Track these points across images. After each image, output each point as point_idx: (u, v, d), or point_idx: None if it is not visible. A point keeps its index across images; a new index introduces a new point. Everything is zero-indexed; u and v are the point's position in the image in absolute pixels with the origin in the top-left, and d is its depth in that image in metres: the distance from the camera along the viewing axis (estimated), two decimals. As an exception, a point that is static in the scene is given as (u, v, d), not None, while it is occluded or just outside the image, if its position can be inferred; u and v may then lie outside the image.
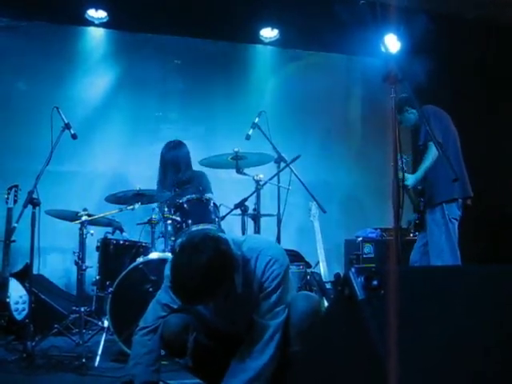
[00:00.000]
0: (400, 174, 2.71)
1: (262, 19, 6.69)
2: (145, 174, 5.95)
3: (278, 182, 4.74)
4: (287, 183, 4.68)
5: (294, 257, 5.36)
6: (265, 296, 2.64)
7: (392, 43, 6.22)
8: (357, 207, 7.08)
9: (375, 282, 1.72)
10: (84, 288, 4.64)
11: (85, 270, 4.49)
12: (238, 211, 4.63)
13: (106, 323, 4.20)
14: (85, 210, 4.47)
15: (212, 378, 2.87)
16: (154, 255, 4.31)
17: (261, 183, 4.58)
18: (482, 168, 5.75)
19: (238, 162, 4.60)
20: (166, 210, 4.51)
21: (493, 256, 6.18)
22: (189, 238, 2.61)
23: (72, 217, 4.51)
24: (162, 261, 4.05)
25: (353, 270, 1.75)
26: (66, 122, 4.35)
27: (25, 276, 4.69)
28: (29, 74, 6.30)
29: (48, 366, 3.84)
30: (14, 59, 6.22)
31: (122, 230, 4.98)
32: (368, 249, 5.96)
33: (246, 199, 4.59)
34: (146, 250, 4.50)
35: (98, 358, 3.95)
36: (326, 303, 4.58)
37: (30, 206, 4.11)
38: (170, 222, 4.50)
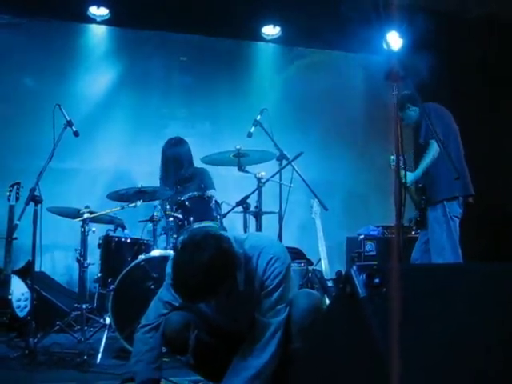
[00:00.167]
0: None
1: (263, 17, 6.69)
2: (147, 172, 5.95)
3: (280, 180, 4.74)
4: (289, 181, 4.68)
5: (296, 254, 5.35)
6: (266, 294, 2.64)
7: (394, 41, 6.22)
8: (358, 205, 7.08)
9: (377, 280, 1.71)
10: (86, 285, 4.65)
11: (87, 267, 4.49)
12: (240, 209, 4.63)
13: (107, 320, 4.21)
14: (87, 207, 4.47)
15: (213, 376, 2.88)
16: (155, 252, 4.32)
17: (263, 181, 4.58)
18: (484, 166, 5.74)
19: (239, 160, 4.60)
20: (167, 207, 4.52)
21: (494, 254, 6.17)
22: (190, 236, 2.61)
23: (74, 214, 4.51)
24: (164, 258, 4.05)
25: (354, 267, 1.75)
26: (68, 119, 4.35)
27: (27, 273, 4.69)
28: (31, 72, 6.30)
29: (50, 362, 3.86)
30: (15, 56, 6.22)
31: (123, 228, 4.98)
32: (370, 246, 5.96)
33: (247, 197, 4.59)
34: (147, 248, 4.51)
35: (99, 355, 3.96)
36: (327, 301, 4.58)
37: (31, 204, 4.12)
38: (171, 219, 4.51)
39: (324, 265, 5.03)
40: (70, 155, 5.94)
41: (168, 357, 3.35)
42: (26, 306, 4.65)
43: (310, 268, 5.09)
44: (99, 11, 6.40)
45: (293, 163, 4.62)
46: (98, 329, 4.47)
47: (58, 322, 4.35)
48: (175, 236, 4.47)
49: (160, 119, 6.78)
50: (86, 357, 3.86)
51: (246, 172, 4.65)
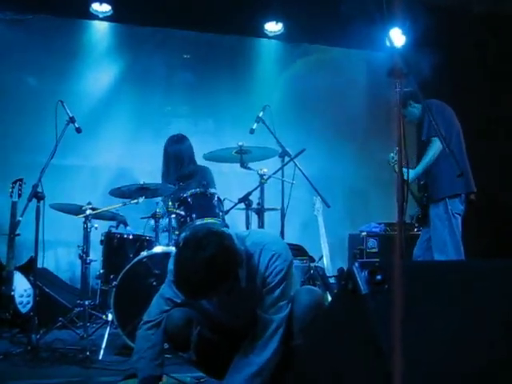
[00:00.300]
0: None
1: (266, 13, 6.66)
2: (149, 169, 5.97)
3: (282, 176, 4.74)
4: (291, 177, 4.68)
5: (298, 251, 5.36)
6: (268, 291, 2.64)
7: (397, 37, 6.21)
8: (361, 202, 7.07)
9: (379, 277, 1.71)
10: (88, 281, 4.65)
11: (89, 263, 4.49)
12: (242, 205, 4.63)
13: (110, 317, 4.21)
14: (89, 203, 4.47)
15: (215, 372, 2.88)
16: (157, 249, 4.32)
17: (265, 177, 4.58)
18: (485, 163, 5.72)
19: (242, 156, 4.60)
20: (170, 204, 4.52)
21: (496, 251, 6.16)
22: (192, 233, 2.61)
23: (76, 210, 4.52)
24: (166, 255, 4.06)
25: (356, 264, 1.75)
26: (71, 115, 4.35)
27: (29, 269, 4.70)
28: (33, 68, 6.29)
29: (52, 358, 3.86)
30: (18, 53, 6.21)
31: (126, 224, 4.98)
32: (372, 243, 5.96)
33: (250, 193, 4.60)
34: (149, 244, 4.51)
35: (101, 352, 3.96)
36: (329, 297, 4.59)
37: (34, 200, 4.12)
38: (174, 216, 4.51)
39: (326, 261, 5.05)
40: (72, 152, 5.94)
41: (170, 353, 3.35)
42: (28, 302, 4.66)
43: (312, 265, 5.09)
44: (102, 7, 6.38)
45: (295, 160, 4.62)
46: (100, 325, 4.48)
47: (60, 318, 4.36)
48: (177, 233, 4.48)
49: (163, 117, 6.77)
50: (88, 353, 3.86)
51: (249, 169, 4.64)
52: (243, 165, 4.62)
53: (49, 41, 6.30)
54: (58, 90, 5.94)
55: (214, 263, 2.42)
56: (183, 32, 6.81)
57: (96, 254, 4.69)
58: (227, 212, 4.66)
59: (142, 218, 4.79)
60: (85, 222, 4.44)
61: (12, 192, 4.76)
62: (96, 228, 4.56)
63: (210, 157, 4.87)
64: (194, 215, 4.46)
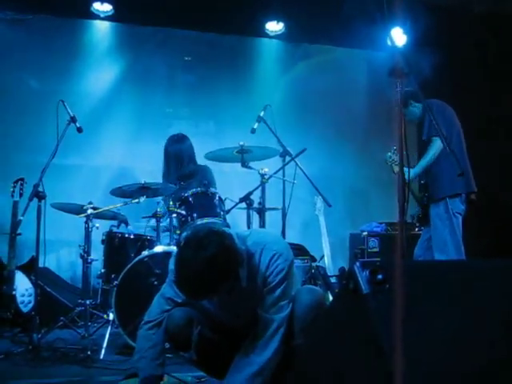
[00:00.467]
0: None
1: (267, 13, 6.66)
2: (150, 168, 5.97)
3: (284, 176, 4.74)
4: (292, 177, 4.68)
5: (299, 251, 5.37)
6: (269, 290, 2.64)
7: (398, 37, 6.21)
8: (362, 201, 7.07)
9: (380, 276, 1.72)
10: (89, 281, 4.66)
11: (90, 263, 4.51)
12: (243, 205, 4.63)
13: (111, 316, 4.22)
14: (90, 203, 4.48)
15: (216, 372, 2.89)
16: (158, 248, 4.32)
17: (266, 177, 4.58)
18: (486, 162, 5.72)
19: (243, 156, 4.60)
20: (171, 203, 4.52)
21: (497, 251, 6.16)
22: (193, 233, 2.61)
23: (77, 210, 4.52)
24: (167, 254, 4.05)
25: (357, 263, 1.75)
26: (72, 115, 4.36)
27: (31, 269, 4.71)
28: (34, 68, 6.28)
29: (53, 358, 3.87)
30: (19, 53, 6.21)
31: (127, 224, 4.98)
32: (373, 243, 5.96)
33: (251, 193, 4.60)
34: (151, 244, 4.51)
35: (103, 351, 3.97)
36: (330, 297, 4.59)
37: (35, 200, 4.12)
38: (175, 215, 4.51)
39: (327, 261, 5.05)
40: (73, 151, 5.94)
41: (171, 353, 3.36)
42: (29, 302, 4.67)
43: (313, 264, 5.10)
44: (103, 7, 6.38)
45: (296, 159, 4.62)
46: (101, 324, 4.49)
47: (61, 318, 4.37)
48: (178, 232, 4.48)
49: (164, 118, 6.76)
50: (89, 352, 3.87)
51: (250, 168, 4.65)
52: (244, 164, 4.62)
53: (50, 40, 6.30)
54: (59, 90, 5.94)
55: (214, 263, 2.42)
56: (184, 32, 6.81)
57: (97, 254, 4.69)
58: (228, 211, 4.66)
59: (144, 218, 4.80)
60: (86, 222, 4.45)
61: (13, 191, 4.77)
62: (97, 227, 4.56)
63: (211, 156, 4.87)
64: (195, 215, 4.46)
